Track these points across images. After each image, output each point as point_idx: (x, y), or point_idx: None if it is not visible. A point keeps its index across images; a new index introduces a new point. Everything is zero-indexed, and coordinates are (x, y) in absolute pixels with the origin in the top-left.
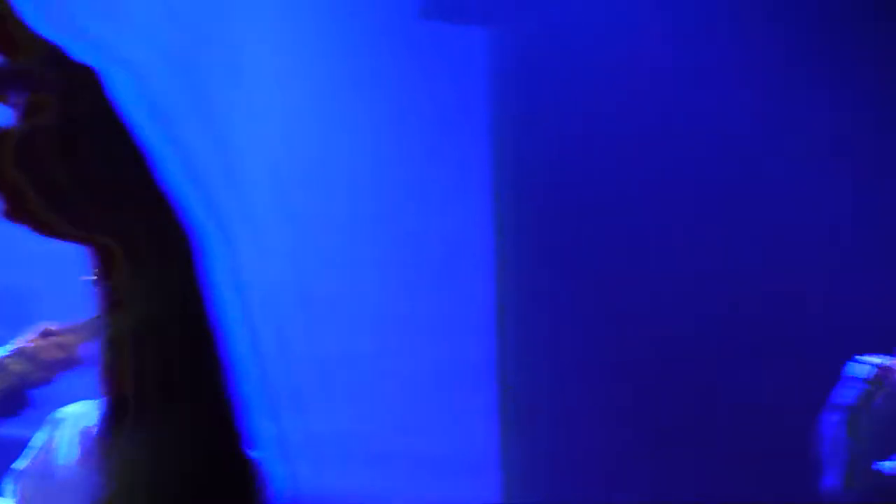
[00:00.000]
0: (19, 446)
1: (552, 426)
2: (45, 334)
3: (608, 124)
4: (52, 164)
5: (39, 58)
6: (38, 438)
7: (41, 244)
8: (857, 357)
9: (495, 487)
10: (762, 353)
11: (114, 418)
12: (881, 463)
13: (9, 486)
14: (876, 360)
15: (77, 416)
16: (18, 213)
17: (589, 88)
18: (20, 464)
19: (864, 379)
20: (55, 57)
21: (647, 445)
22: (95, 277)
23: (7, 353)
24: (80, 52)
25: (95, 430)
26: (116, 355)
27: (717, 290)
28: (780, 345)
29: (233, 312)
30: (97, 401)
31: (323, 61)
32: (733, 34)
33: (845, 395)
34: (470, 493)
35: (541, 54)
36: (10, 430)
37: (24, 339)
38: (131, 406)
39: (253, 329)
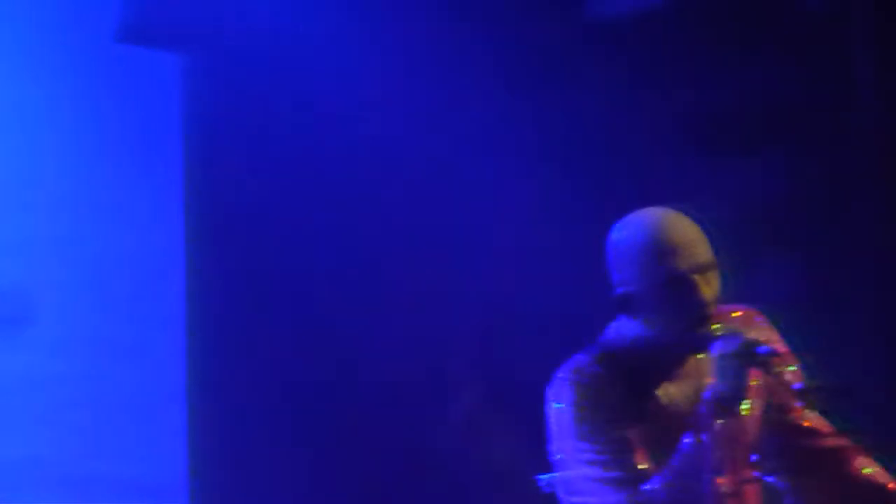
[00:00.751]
0: None
1: (241, 450)
2: None
3: (300, 149)
4: None
5: None
6: None
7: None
8: None
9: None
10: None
11: None
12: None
13: None
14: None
15: None
16: None
17: (280, 114)
18: None
19: None
20: None
21: (338, 470)
22: None
23: None
24: None
25: None
26: None
27: (411, 310)
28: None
29: None
30: None
31: (15, 82)
32: (426, 60)
33: None
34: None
35: (234, 79)
36: None
37: None
38: None
39: None
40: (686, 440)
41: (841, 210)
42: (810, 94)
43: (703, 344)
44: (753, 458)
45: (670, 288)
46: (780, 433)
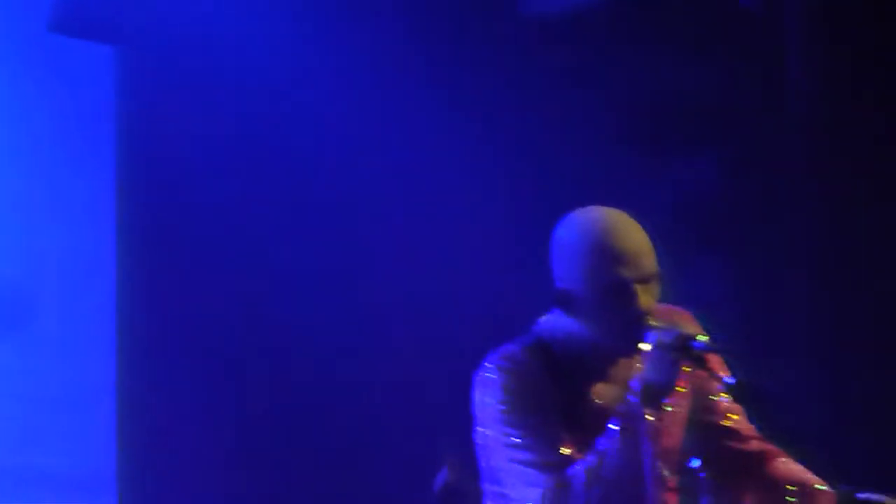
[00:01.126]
0: None
1: (169, 444)
2: None
3: (234, 144)
4: None
5: None
6: None
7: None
8: None
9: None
10: (391, 370)
11: None
12: None
13: None
14: None
15: None
16: None
17: (215, 107)
18: None
19: None
20: None
21: (262, 465)
22: None
23: None
24: None
25: None
26: None
27: (340, 296)
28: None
29: None
30: None
31: None
32: (353, 46)
33: None
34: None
35: (167, 71)
36: None
37: None
38: None
39: None
40: (612, 427)
41: (773, 210)
42: (744, 94)
43: (636, 349)
44: (678, 456)
45: (612, 294)
46: (704, 433)
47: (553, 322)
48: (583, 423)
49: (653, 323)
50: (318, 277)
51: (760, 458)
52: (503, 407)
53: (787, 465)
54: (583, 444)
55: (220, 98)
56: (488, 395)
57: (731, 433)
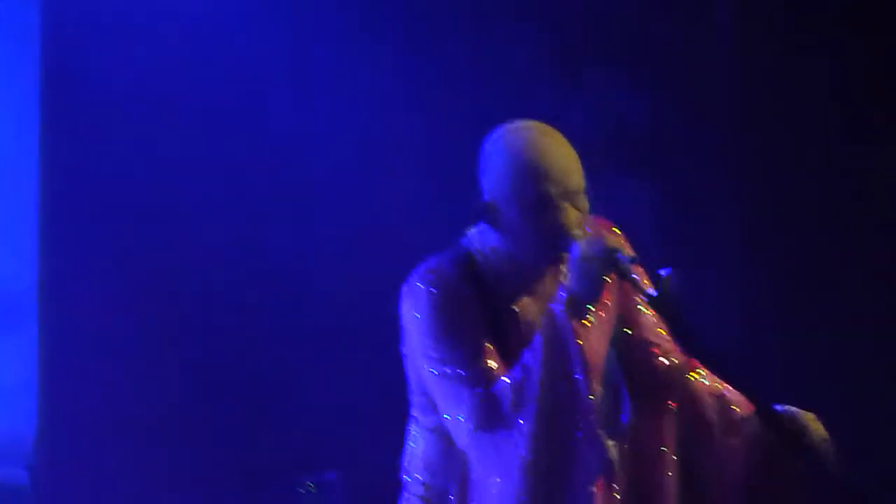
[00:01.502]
0: None
1: (89, 360)
2: None
3: (164, 90)
4: None
5: None
6: None
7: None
8: None
9: (30, 418)
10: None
11: None
12: None
13: None
14: None
15: None
16: None
17: (143, 52)
18: None
19: None
20: None
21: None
22: None
23: None
24: None
25: None
26: None
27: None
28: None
29: None
30: None
31: None
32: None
33: None
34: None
35: (94, 21)
36: None
37: None
38: None
39: None
40: (537, 338)
41: (697, 132)
42: (671, 16)
43: (562, 263)
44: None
45: (538, 209)
46: (626, 346)
47: (480, 235)
48: (509, 337)
49: (578, 234)
50: (242, 226)
51: (680, 372)
52: (429, 320)
53: (707, 379)
54: (509, 359)
55: (149, 45)
56: (415, 308)
57: (653, 346)
